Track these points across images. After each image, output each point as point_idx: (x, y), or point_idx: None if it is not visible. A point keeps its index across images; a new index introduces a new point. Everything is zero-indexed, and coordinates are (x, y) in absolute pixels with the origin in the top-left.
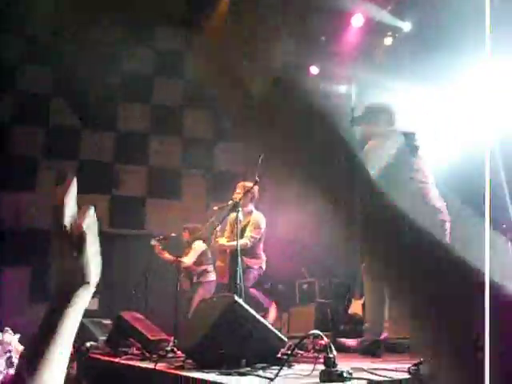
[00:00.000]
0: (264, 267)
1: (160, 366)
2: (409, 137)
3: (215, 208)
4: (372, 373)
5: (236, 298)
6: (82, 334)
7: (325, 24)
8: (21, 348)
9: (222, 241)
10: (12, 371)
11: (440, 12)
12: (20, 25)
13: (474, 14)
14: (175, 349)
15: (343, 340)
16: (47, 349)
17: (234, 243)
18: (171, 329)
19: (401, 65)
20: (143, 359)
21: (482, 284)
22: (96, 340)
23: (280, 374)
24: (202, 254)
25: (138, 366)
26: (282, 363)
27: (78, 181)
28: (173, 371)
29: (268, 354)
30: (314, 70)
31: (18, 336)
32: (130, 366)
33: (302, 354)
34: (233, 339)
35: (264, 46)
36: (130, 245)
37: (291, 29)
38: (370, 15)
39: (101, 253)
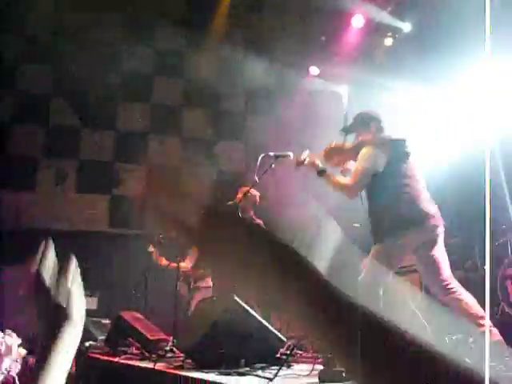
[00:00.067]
0: None
1: (159, 365)
2: (399, 143)
3: None
4: None
5: (236, 297)
6: (82, 333)
7: (325, 24)
8: (24, 352)
9: None
10: (12, 374)
11: (440, 13)
12: (20, 25)
13: (473, 14)
14: (174, 348)
15: None
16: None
17: None
18: (171, 329)
19: (401, 65)
20: (142, 359)
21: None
22: (95, 340)
23: (279, 373)
24: None
25: (138, 366)
26: (281, 363)
27: (78, 180)
28: (172, 371)
29: (267, 354)
30: (314, 70)
31: (19, 341)
32: (129, 365)
33: (301, 354)
34: (232, 339)
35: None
36: (130, 245)
37: (291, 29)
38: (370, 16)
39: (101, 253)
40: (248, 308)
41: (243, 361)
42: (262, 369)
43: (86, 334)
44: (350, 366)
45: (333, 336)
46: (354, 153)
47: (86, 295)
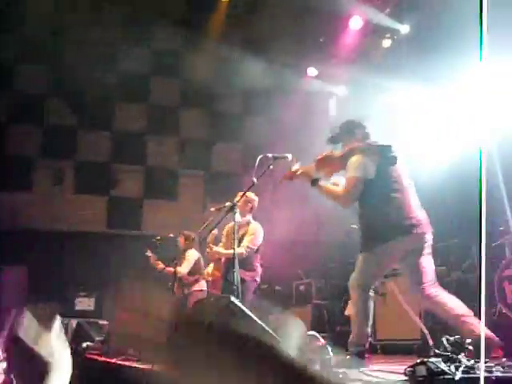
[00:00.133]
0: (259, 280)
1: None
2: (386, 149)
3: (212, 209)
4: (368, 374)
5: (232, 298)
6: (79, 334)
7: (323, 26)
8: None
9: (218, 249)
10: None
11: (437, 14)
12: (17, 25)
13: (471, 16)
14: None
15: None
16: None
17: (231, 251)
18: None
19: (399, 66)
20: (140, 359)
21: None
22: (92, 340)
23: None
24: (196, 263)
25: (135, 367)
26: None
27: (75, 181)
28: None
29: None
30: (312, 71)
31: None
32: (126, 366)
33: None
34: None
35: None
36: (127, 245)
37: (289, 30)
38: (368, 17)
39: (98, 253)
40: (245, 309)
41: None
42: None
43: (84, 335)
44: None
45: None
46: (343, 162)
47: (84, 296)
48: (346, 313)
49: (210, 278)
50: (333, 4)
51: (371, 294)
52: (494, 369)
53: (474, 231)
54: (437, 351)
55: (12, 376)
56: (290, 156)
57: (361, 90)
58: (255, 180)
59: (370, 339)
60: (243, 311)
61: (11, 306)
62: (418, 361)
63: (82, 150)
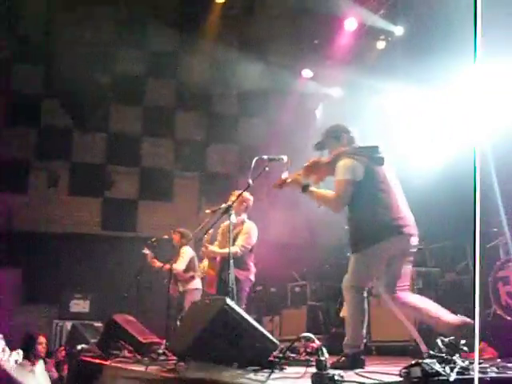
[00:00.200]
0: (253, 279)
1: (151, 368)
2: (373, 150)
3: (208, 211)
4: (363, 376)
5: (228, 300)
6: (74, 336)
7: (318, 27)
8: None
9: (213, 248)
10: None
11: (432, 16)
12: (12, 25)
13: (465, 18)
14: (167, 351)
15: None
16: None
17: (226, 250)
18: (163, 331)
19: (394, 68)
20: (135, 362)
21: None
22: (87, 343)
23: (271, 377)
24: (190, 260)
25: (130, 369)
26: (273, 366)
27: (70, 183)
28: (164, 374)
29: (260, 357)
30: (307, 73)
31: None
32: (121, 368)
33: (293, 357)
34: (224, 342)
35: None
36: (123, 247)
37: (284, 32)
38: (363, 19)
39: (93, 255)
40: (240, 311)
41: (236, 364)
42: (255, 372)
43: (78, 337)
44: None
45: None
46: (331, 167)
47: (79, 298)
48: (341, 314)
49: (203, 275)
50: (327, 6)
51: (365, 295)
52: (488, 369)
53: (468, 232)
54: (431, 352)
55: None
56: (285, 158)
57: (355, 92)
58: (251, 182)
59: (364, 341)
60: (238, 313)
61: (6, 308)
62: (413, 362)
63: (77, 151)
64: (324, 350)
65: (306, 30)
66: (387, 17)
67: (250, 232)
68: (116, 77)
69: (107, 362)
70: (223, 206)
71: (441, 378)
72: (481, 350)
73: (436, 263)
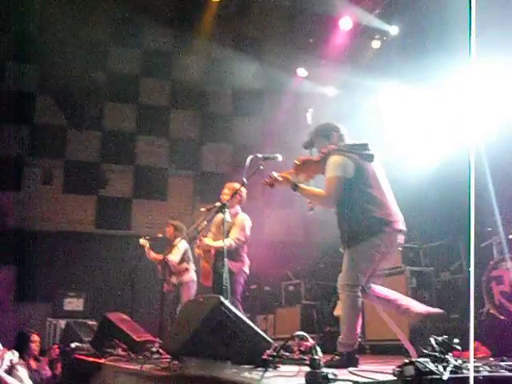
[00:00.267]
0: (248, 271)
1: (145, 367)
2: (362, 147)
3: (202, 209)
4: (357, 374)
5: (222, 299)
6: (67, 335)
7: (313, 27)
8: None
9: (208, 240)
10: None
11: (426, 16)
12: (6, 23)
13: (460, 17)
14: (161, 350)
15: None
16: None
17: (220, 243)
18: (157, 330)
19: (389, 67)
20: (129, 360)
21: None
22: (81, 341)
23: (265, 375)
24: (185, 252)
25: (124, 367)
26: (267, 365)
27: (65, 181)
28: (158, 373)
29: (254, 356)
30: (302, 72)
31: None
32: (115, 367)
33: (287, 356)
34: (218, 340)
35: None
36: (117, 246)
37: (279, 31)
38: (358, 19)
39: (87, 253)
40: (234, 309)
41: (229, 362)
42: (249, 370)
43: (72, 335)
44: None
45: None
46: (321, 165)
47: (73, 296)
48: (335, 313)
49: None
50: (323, 5)
51: (359, 294)
52: (481, 368)
53: (462, 232)
54: (425, 351)
55: None
56: (280, 156)
57: (350, 91)
58: (245, 180)
59: (359, 339)
60: (232, 312)
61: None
62: (407, 361)
63: (71, 149)
64: (318, 348)
65: (301, 30)
66: (382, 16)
67: (243, 224)
68: (111, 75)
69: (101, 361)
70: (217, 204)
71: (434, 376)
72: (474, 349)
73: (430, 262)
